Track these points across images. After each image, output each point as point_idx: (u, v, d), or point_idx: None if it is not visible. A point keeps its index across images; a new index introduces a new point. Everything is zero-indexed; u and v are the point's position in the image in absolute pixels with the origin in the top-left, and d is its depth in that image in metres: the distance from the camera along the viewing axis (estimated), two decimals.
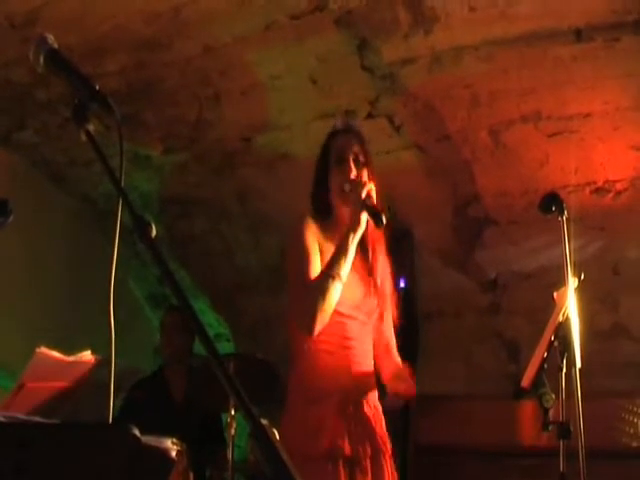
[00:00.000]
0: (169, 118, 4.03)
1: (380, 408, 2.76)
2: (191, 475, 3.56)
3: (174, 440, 3.49)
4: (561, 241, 2.63)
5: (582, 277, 2.72)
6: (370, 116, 3.67)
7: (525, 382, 2.68)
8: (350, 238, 2.61)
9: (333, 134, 2.87)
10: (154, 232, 1.67)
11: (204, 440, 4.17)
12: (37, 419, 1.80)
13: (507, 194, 3.61)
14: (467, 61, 3.17)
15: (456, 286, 4.02)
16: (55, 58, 1.88)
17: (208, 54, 3.56)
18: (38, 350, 2.51)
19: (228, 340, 5.04)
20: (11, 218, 2.20)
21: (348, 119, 3.02)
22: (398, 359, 2.89)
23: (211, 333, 5.03)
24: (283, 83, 3.62)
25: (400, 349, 3.01)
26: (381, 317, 2.83)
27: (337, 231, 2.77)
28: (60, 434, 1.64)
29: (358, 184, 2.69)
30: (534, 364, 2.69)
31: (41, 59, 1.87)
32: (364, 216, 2.63)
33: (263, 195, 4.27)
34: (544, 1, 2.84)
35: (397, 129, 3.66)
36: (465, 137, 3.47)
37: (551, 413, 2.64)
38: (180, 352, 4.47)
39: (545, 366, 2.65)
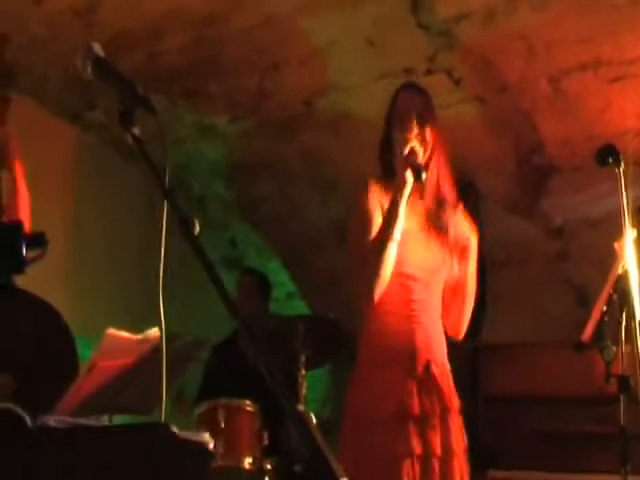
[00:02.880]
0: (231, 89, 4.13)
1: (448, 366, 2.83)
2: (265, 434, 3.73)
3: (247, 402, 3.64)
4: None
5: None
6: (429, 72, 3.71)
7: (585, 336, 2.72)
8: (398, 198, 2.65)
9: (397, 93, 2.91)
10: (197, 229, 1.79)
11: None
12: (83, 422, 1.94)
13: (570, 141, 3.62)
14: (521, 12, 3.17)
15: (522, 234, 4.06)
16: (101, 66, 1.99)
17: (265, 25, 3.63)
18: (107, 331, 2.65)
19: (301, 298, 5.16)
20: (48, 250, 2.22)
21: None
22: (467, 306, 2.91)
23: (283, 292, 5.16)
24: (340, 47, 3.68)
25: None
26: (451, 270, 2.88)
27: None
28: (103, 436, 1.79)
29: (405, 140, 2.72)
30: (594, 318, 2.72)
31: (89, 68, 1.98)
32: (409, 174, 2.67)
33: (327, 156, 4.35)
34: None
35: (456, 83, 3.70)
36: (524, 87, 3.50)
37: (612, 366, 2.68)
38: (249, 307, 4.62)
39: (606, 319, 2.68)
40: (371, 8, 3.41)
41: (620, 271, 2.69)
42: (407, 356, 2.72)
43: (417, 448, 2.64)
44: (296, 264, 5.08)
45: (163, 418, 2.14)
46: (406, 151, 2.69)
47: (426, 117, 2.84)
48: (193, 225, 1.81)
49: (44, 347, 2.90)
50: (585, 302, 4.08)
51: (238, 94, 4.15)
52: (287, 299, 5.28)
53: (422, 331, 2.74)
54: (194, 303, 5.15)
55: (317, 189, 4.59)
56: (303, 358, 3.74)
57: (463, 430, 2.77)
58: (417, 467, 2.66)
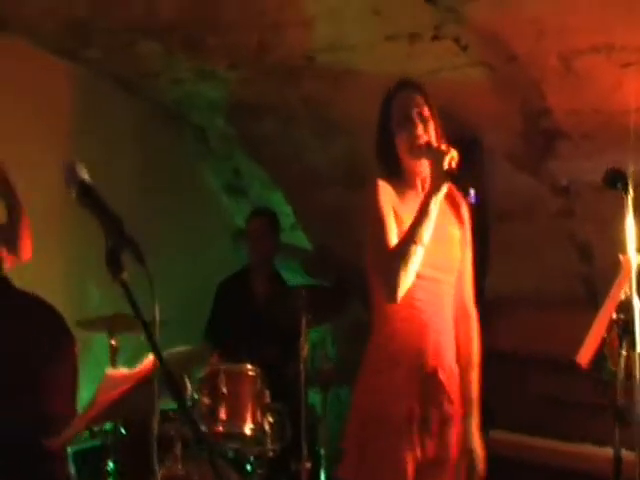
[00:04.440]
0: (230, 43, 4.01)
1: (456, 370, 2.86)
2: (267, 393, 3.84)
3: (249, 367, 3.75)
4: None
5: None
6: (435, 38, 3.58)
7: (583, 360, 2.72)
8: (431, 203, 2.65)
9: (391, 91, 2.83)
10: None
11: (280, 351, 4.39)
12: None
13: (578, 112, 3.54)
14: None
15: (527, 189, 4.03)
16: (87, 193, 1.90)
17: None
18: (107, 372, 2.73)
19: (302, 229, 5.18)
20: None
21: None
22: (473, 321, 2.94)
23: (287, 223, 5.15)
24: (343, 15, 3.52)
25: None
26: (461, 276, 2.89)
27: (409, 188, 2.81)
28: None
29: (440, 152, 2.68)
30: (592, 342, 2.72)
31: (73, 191, 1.89)
32: (445, 185, 2.64)
33: (328, 104, 4.27)
34: None
35: (463, 49, 3.57)
36: (533, 60, 3.38)
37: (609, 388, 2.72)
38: (265, 258, 4.67)
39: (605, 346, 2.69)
40: None
41: (622, 297, 2.67)
42: (414, 360, 2.75)
43: (418, 450, 2.72)
44: (298, 198, 5.06)
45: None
46: (445, 164, 2.63)
47: (427, 113, 2.78)
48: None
49: (46, 345, 2.99)
50: (587, 258, 4.09)
51: (237, 47, 4.03)
52: (291, 229, 5.31)
53: (432, 334, 2.75)
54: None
55: (319, 132, 4.53)
56: (304, 320, 3.83)
57: (461, 438, 2.82)
58: (417, 470, 2.75)
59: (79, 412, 3.07)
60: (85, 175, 1.92)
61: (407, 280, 2.63)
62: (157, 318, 1.89)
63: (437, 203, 2.65)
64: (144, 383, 2.82)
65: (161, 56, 4.29)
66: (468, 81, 3.66)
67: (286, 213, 5.18)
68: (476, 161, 4.06)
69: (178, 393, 1.66)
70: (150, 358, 2.75)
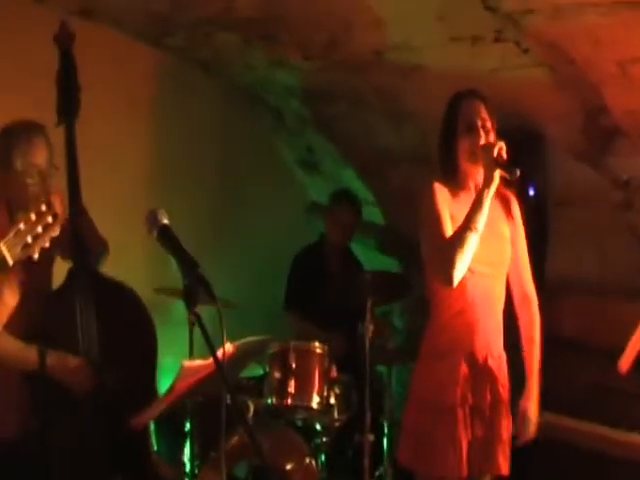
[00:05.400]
0: (302, 39, 4.18)
1: (504, 357, 3.11)
2: (334, 368, 4.11)
3: (317, 344, 4.03)
4: None
5: None
6: (497, 40, 3.68)
7: (623, 366, 2.90)
8: (485, 193, 2.92)
9: (458, 98, 3.04)
10: None
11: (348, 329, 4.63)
12: None
13: (636, 113, 3.61)
14: (588, 15, 3.13)
15: (589, 181, 4.11)
16: (166, 234, 2.18)
17: None
18: (184, 364, 3.03)
19: (374, 205, 5.37)
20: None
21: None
22: (534, 305, 3.21)
23: (360, 197, 5.35)
24: (410, 19, 3.67)
25: (532, 237, 3.33)
26: (516, 265, 3.10)
27: (463, 190, 3.04)
28: None
29: (489, 145, 2.90)
30: (632, 348, 2.89)
31: (155, 233, 2.18)
32: (497, 173, 2.88)
33: (398, 95, 4.42)
34: None
35: (524, 51, 3.67)
36: (591, 66, 3.47)
37: None
38: (345, 241, 4.90)
39: None
40: None
41: None
42: (466, 349, 3.02)
43: (470, 436, 2.97)
44: (370, 176, 5.24)
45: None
46: (495, 153, 2.86)
47: (489, 125, 2.98)
48: None
49: (130, 330, 3.30)
50: None
51: (309, 43, 4.21)
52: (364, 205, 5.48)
53: (481, 326, 3.03)
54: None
55: (390, 118, 4.68)
56: (369, 304, 4.06)
57: (510, 419, 3.08)
58: (470, 453, 2.99)
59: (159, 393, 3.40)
60: (165, 220, 2.20)
61: (463, 264, 2.90)
62: (226, 351, 2.14)
63: (490, 193, 2.90)
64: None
65: (237, 46, 4.51)
66: (530, 79, 3.76)
67: (358, 188, 5.36)
68: (539, 152, 4.19)
69: None
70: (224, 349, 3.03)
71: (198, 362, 3.07)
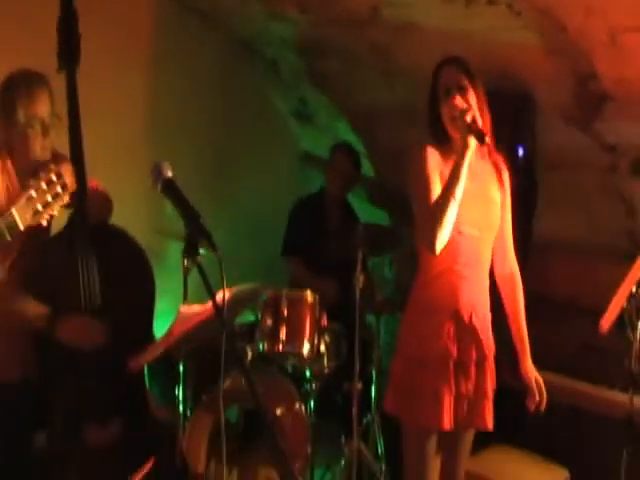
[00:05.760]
0: None
1: (489, 317, 3.24)
2: (324, 317, 4.24)
3: (308, 293, 4.15)
4: None
5: None
6: (490, 2, 3.75)
7: (604, 325, 3.04)
8: (460, 160, 3.01)
9: (439, 66, 3.14)
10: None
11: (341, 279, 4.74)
12: None
13: (625, 80, 3.69)
14: None
15: (577, 143, 4.20)
16: (170, 187, 2.28)
17: None
18: (181, 310, 3.14)
19: (365, 157, 5.46)
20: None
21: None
22: (518, 279, 3.31)
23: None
24: None
25: (520, 198, 3.44)
26: (501, 235, 3.23)
27: (454, 153, 3.15)
28: None
29: (463, 111, 3.01)
30: (613, 309, 3.03)
31: (159, 186, 2.28)
32: (471, 139, 2.99)
33: (392, 51, 4.49)
34: None
35: (517, 14, 3.74)
36: (582, 34, 3.54)
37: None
38: (343, 191, 4.99)
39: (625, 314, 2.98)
40: None
41: None
42: (451, 307, 3.15)
43: (454, 387, 3.12)
44: (363, 129, 5.32)
45: None
46: (468, 119, 2.98)
47: (467, 84, 3.09)
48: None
49: (129, 275, 3.41)
50: (632, 214, 4.30)
51: None
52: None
53: (467, 285, 3.16)
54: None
55: (383, 74, 4.75)
56: (360, 254, 4.17)
57: (494, 375, 3.23)
58: (454, 405, 3.14)
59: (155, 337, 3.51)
60: (169, 173, 2.30)
61: (444, 234, 3.01)
62: (226, 298, 2.25)
63: (467, 159, 3.00)
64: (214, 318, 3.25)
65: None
66: (522, 42, 3.83)
67: (351, 141, 5.44)
68: (528, 115, 4.29)
69: None
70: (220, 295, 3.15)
71: (195, 307, 3.19)
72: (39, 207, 2.19)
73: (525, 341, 3.30)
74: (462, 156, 3.03)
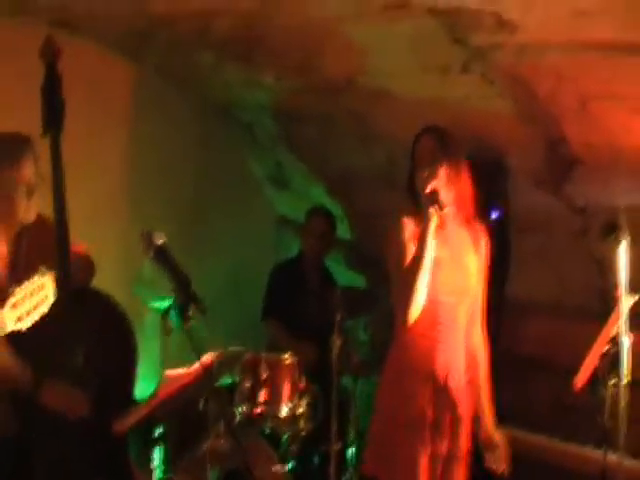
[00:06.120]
0: (277, 62, 4.35)
1: (464, 378, 3.29)
2: (303, 379, 4.26)
3: (286, 356, 4.16)
4: None
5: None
6: (464, 71, 3.87)
7: (578, 383, 3.11)
8: (425, 231, 3.07)
9: (416, 136, 3.24)
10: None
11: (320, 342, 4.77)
12: None
13: (593, 145, 3.82)
14: (550, 54, 3.34)
15: (548, 207, 4.33)
16: (162, 254, 2.33)
17: (307, 25, 3.81)
18: (167, 374, 3.16)
19: (342, 221, 5.54)
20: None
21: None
22: (478, 339, 3.33)
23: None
24: (381, 49, 3.86)
25: (493, 260, 3.50)
26: (474, 297, 3.28)
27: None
28: None
29: (423, 182, 3.11)
30: (586, 368, 3.11)
31: (150, 253, 2.33)
32: (432, 211, 3.05)
33: (368, 118, 4.60)
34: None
35: (490, 83, 3.87)
36: (552, 99, 3.68)
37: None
38: (321, 255, 5.05)
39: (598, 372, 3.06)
40: (409, 25, 3.57)
41: (614, 332, 3.04)
42: (427, 369, 3.20)
43: (429, 448, 3.15)
44: (339, 194, 5.42)
45: None
46: (427, 190, 3.05)
47: (439, 155, 3.14)
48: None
49: (111, 340, 3.41)
50: (605, 275, 4.38)
51: (282, 65, 4.38)
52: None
53: (443, 350, 3.21)
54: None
55: (361, 140, 4.85)
56: (338, 317, 4.21)
57: (470, 436, 3.25)
58: (430, 465, 3.17)
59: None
60: (161, 240, 2.35)
61: (417, 302, 3.07)
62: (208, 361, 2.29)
63: (430, 229, 3.07)
64: (199, 381, 3.28)
65: (213, 65, 4.66)
66: (495, 109, 3.96)
67: (327, 205, 5.53)
68: (500, 180, 4.41)
69: None
70: (207, 357, 3.16)
71: (180, 370, 3.22)
72: (23, 314, 2.22)
73: (485, 410, 3.32)
74: (426, 227, 3.09)
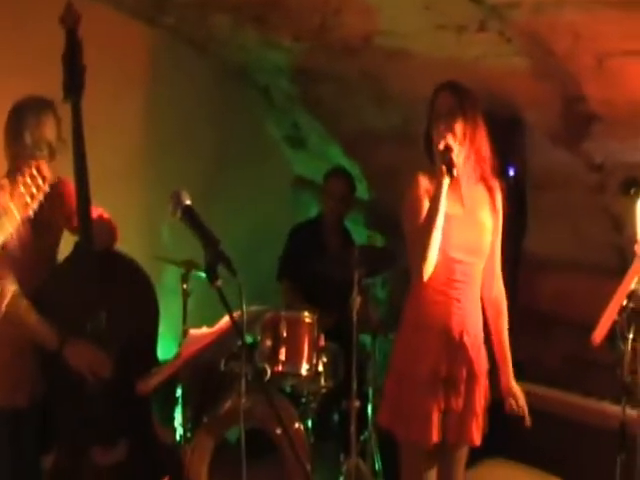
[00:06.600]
0: (294, 22, 4.35)
1: (481, 336, 3.33)
2: (322, 337, 4.32)
3: (306, 314, 4.23)
4: None
5: None
6: (481, 29, 3.86)
7: (596, 338, 3.14)
8: (438, 190, 3.09)
9: (434, 92, 3.24)
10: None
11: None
12: None
13: (612, 101, 3.81)
14: (567, 10, 3.33)
15: (565, 164, 4.33)
16: (189, 214, 2.37)
17: None
18: (190, 332, 3.22)
19: (361, 181, 5.56)
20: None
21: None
22: (504, 317, 3.40)
23: None
24: (398, 7, 3.85)
25: (510, 216, 3.53)
26: (491, 259, 3.32)
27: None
28: None
29: (439, 140, 3.13)
30: (605, 323, 3.13)
31: (178, 213, 2.37)
32: (444, 168, 3.09)
33: (384, 78, 4.60)
34: None
35: (507, 41, 3.86)
36: (570, 57, 3.66)
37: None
38: (340, 216, 5.07)
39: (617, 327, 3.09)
40: None
41: (634, 286, 3.07)
42: (442, 325, 3.23)
43: (443, 404, 3.20)
44: (355, 153, 5.43)
45: None
46: (441, 147, 3.08)
47: (458, 115, 3.16)
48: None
49: (133, 301, 3.48)
50: (620, 230, 4.41)
51: (300, 26, 4.37)
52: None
53: (459, 307, 3.25)
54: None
55: (375, 100, 4.86)
56: (356, 276, 4.24)
57: (486, 392, 3.30)
58: (442, 421, 3.23)
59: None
60: (188, 201, 2.39)
61: (429, 259, 3.09)
62: (245, 318, 2.34)
63: (443, 187, 3.08)
64: (221, 340, 3.34)
65: (230, 27, 4.66)
66: (512, 67, 3.94)
67: (344, 164, 5.55)
68: (518, 137, 4.41)
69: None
70: (227, 318, 3.21)
71: (203, 330, 3.28)
72: (27, 199, 2.29)
73: (507, 361, 3.38)
74: (439, 184, 3.10)
